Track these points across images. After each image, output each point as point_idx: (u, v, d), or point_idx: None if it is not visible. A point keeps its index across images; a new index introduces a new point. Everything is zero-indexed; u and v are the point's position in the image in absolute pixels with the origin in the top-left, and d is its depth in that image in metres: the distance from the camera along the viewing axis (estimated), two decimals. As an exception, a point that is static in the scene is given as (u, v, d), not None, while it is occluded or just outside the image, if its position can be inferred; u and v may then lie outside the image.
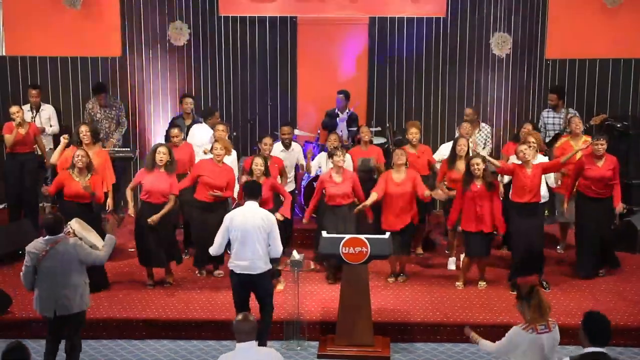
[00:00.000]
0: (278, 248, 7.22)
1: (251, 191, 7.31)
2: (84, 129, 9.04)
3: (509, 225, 8.59)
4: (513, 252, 8.76)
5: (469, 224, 8.52)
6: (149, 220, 8.39)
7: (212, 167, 8.80)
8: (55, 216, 6.81)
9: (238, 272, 7.16)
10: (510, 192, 8.62)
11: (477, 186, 8.44)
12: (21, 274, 6.71)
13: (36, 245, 6.62)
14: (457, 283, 8.77)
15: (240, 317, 5.20)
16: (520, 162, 8.48)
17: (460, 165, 8.86)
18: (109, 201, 9.01)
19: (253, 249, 7.07)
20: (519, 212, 8.46)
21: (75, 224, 7.01)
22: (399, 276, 8.93)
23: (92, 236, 7.04)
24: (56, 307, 6.60)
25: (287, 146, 9.72)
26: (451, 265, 9.31)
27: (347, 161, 9.08)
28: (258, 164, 8.52)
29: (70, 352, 6.85)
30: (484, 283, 8.74)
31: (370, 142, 9.77)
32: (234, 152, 9.53)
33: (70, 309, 6.62)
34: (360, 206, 8.58)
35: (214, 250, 7.40)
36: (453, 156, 9.05)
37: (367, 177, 9.34)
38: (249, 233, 7.06)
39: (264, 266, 7.16)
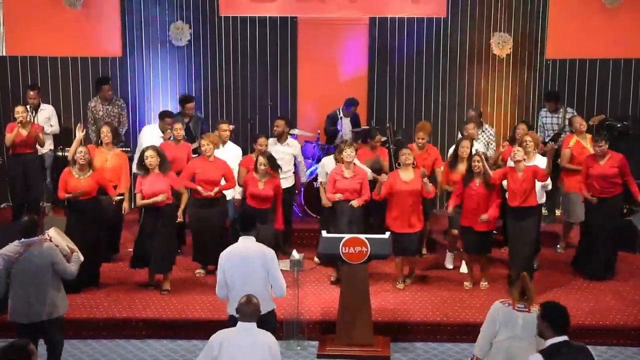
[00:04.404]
0: (282, 285, 6.41)
1: (245, 224, 6.53)
2: (105, 130, 9.12)
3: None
4: (509, 255, 8.75)
5: (468, 220, 8.54)
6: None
7: (203, 163, 8.83)
8: (31, 218, 6.55)
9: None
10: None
11: (477, 184, 8.45)
12: None
13: (10, 248, 6.34)
14: (465, 283, 8.74)
15: (244, 299, 5.35)
16: (513, 165, 8.46)
17: (462, 167, 8.83)
18: (125, 204, 8.99)
19: (253, 290, 5.99)
20: (512, 216, 8.49)
21: (52, 232, 6.73)
22: (405, 280, 8.83)
23: (70, 245, 6.73)
24: (29, 313, 6.30)
25: (280, 139, 9.68)
26: (448, 263, 9.34)
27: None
28: (262, 163, 8.55)
29: (52, 349, 6.57)
30: (486, 283, 8.72)
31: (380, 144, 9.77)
32: (238, 149, 9.55)
33: (42, 315, 6.31)
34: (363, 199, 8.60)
35: (218, 293, 6.47)
36: (455, 158, 9.04)
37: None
38: (247, 273, 6.31)
39: (266, 306, 6.28)
